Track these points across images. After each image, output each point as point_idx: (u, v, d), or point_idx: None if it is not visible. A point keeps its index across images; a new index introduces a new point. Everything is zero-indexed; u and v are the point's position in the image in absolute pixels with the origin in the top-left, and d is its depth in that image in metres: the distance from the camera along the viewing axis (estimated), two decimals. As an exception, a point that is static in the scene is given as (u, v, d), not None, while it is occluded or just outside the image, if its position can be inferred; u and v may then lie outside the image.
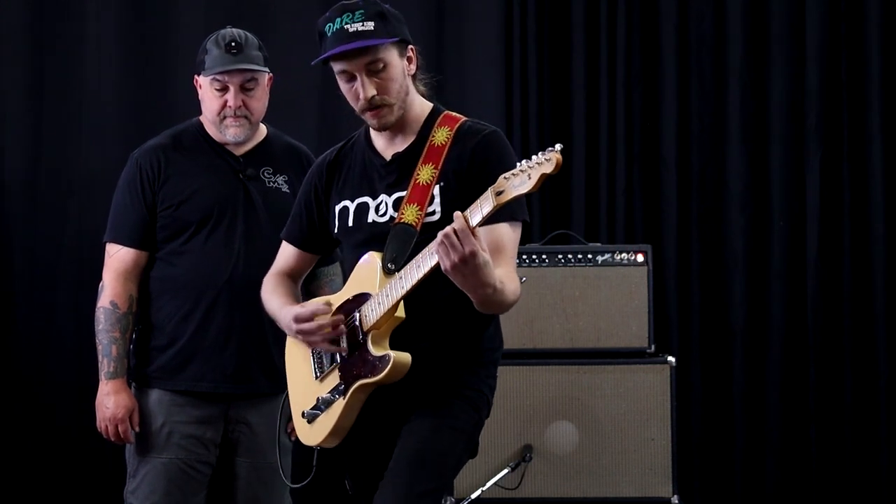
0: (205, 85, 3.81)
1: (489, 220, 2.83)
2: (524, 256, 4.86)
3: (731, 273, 5.67)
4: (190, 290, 3.77)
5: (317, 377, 3.17)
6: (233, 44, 3.77)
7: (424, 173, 3.06)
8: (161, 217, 3.80)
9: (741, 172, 5.68)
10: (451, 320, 3.05)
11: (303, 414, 3.18)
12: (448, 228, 2.77)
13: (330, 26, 3.06)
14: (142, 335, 3.84)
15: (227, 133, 3.80)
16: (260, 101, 3.84)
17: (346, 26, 3.03)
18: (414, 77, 3.17)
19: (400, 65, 3.09)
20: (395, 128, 3.14)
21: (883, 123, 5.61)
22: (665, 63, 5.71)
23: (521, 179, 2.72)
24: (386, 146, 3.17)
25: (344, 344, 3.08)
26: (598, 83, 5.72)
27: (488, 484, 4.68)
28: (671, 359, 4.90)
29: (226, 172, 3.84)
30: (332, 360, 3.12)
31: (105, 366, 3.77)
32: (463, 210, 2.81)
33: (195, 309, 3.76)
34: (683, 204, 5.70)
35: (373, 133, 3.19)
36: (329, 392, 3.10)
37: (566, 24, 5.75)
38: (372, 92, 3.05)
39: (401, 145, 3.15)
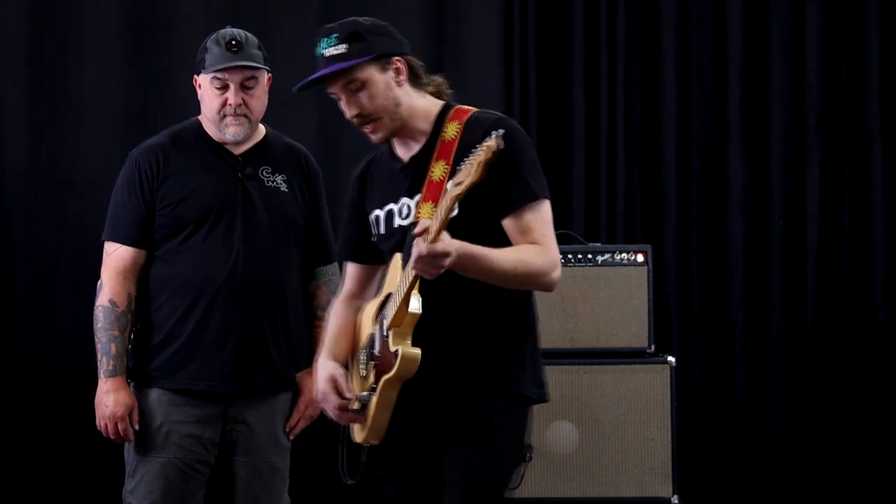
0: (205, 84, 3.81)
1: (508, 208, 2.95)
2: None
3: (731, 273, 5.67)
4: (188, 288, 3.76)
5: (362, 376, 3.21)
6: (233, 42, 3.77)
7: (437, 170, 3.08)
8: (159, 216, 3.80)
9: (741, 172, 5.68)
10: (480, 313, 3.07)
11: (349, 411, 3.22)
12: (414, 252, 2.82)
13: (316, 49, 3.13)
14: (140, 334, 3.84)
15: (227, 132, 3.80)
16: (259, 100, 3.84)
17: (323, 51, 3.10)
18: (415, 82, 3.17)
19: (382, 79, 3.10)
20: (404, 134, 3.17)
21: (883, 123, 5.61)
22: (665, 63, 5.71)
23: (466, 171, 2.77)
24: (404, 151, 3.21)
25: (378, 345, 3.11)
26: (598, 83, 5.72)
27: (488, 484, 4.68)
28: (671, 359, 4.90)
29: (224, 171, 3.84)
30: (371, 357, 3.15)
31: (104, 364, 3.76)
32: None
33: (194, 308, 3.76)
34: (683, 204, 5.70)
35: (395, 138, 3.22)
36: (367, 390, 3.14)
37: (566, 25, 5.75)
38: (353, 111, 3.12)
39: (416, 148, 3.18)
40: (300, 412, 3.89)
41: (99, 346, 3.78)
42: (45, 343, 5.61)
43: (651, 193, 5.71)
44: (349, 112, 3.13)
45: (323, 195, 3.99)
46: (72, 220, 5.60)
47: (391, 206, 3.19)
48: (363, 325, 3.26)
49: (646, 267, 4.96)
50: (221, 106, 3.78)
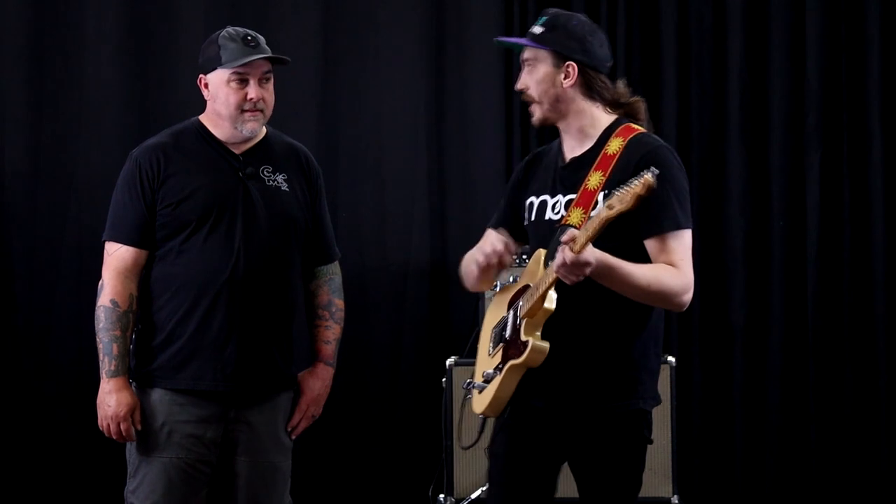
0: (219, 81, 3.77)
1: (654, 230, 3.22)
2: (525, 256, 4.85)
3: (731, 273, 5.67)
4: (190, 288, 3.75)
5: (490, 353, 3.41)
6: (248, 38, 3.78)
7: (594, 179, 3.30)
8: (160, 215, 3.79)
9: (741, 172, 5.69)
10: (606, 318, 3.26)
11: (473, 384, 3.43)
12: (559, 259, 3.01)
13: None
14: (142, 334, 3.83)
15: (245, 128, 3.78)
16: (273, 95, 3.84)
17: (533, 27, 3.42)
18: (587, 93, 3.37)
19: (549, 72, 3.37)
20: (571, 134, 3.39)
21: (883, 123, 5.62)
22: (665, 63, 5.72)
23: (620, 198, 2.97)
24: (569, 150, 3.42)
25: (509, 329, 3.30)
26: (598, 83, 5.72)
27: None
28: (671, 359, 4.90)
29: (225, 171, 3.83)
30: (501, 339, 3.34)
31: (106, 364, 3.76)
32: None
33: (195, 307, 3.75)
34: (683, 204, 5.69)
35: (563, 136, 3.44)
36: (493, 368, 3.33)
37: (566, 25, 5.74)
38: (520, 85, 3.41)
39: (579, 151, 3.39)
40: (302, 412, 3.89)
41: (101, 346, 3.77)
42: (45, 343, 5.61)
43: (651, 193, 5.71)
44: (518, 84, 3.42)
45: (324, 194, 3.99)
46: (72, 220, 5.61)
47: (545, 197, 3.40)
48: (497, 306, 3.46)
49: (646, 267, 4.94)
50: (241, 101, 3.76)
